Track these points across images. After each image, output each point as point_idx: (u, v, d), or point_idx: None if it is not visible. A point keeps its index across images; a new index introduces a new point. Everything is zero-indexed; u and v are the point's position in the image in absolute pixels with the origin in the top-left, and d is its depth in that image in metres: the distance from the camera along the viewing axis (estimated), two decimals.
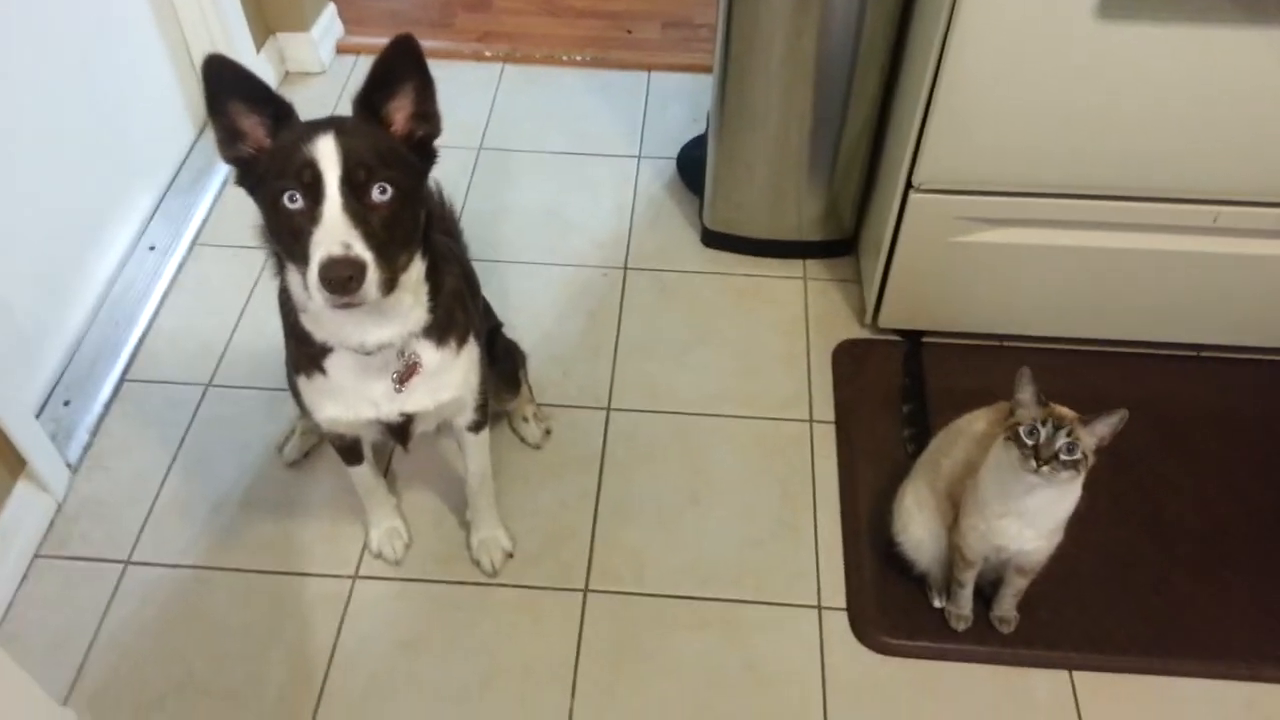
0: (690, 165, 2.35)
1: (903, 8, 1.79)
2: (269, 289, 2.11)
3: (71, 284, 2.01)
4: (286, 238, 1.11)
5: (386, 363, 1.30)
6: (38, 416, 1.84)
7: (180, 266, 2.18)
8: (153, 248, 2.19)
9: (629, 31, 2.83)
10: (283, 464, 1.84)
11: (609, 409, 1.94)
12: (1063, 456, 1.30)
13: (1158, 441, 1.87)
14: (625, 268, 2.20)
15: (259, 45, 2.51)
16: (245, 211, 2.20)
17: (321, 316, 1.23)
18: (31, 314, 1.88)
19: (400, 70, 1.13)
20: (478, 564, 1.71)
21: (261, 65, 2.51)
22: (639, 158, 2.46)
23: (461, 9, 2.91)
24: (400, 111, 1.16)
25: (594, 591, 1.68)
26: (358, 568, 1.71)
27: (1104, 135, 1.62)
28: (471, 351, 1.41)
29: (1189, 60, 1.52)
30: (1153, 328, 1.96)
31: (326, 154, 1.07)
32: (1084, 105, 1.59)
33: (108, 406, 1.93)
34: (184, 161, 2.39)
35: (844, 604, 1.67)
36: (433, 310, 1.29)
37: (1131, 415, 1.89)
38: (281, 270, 1.25)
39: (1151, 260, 1.81)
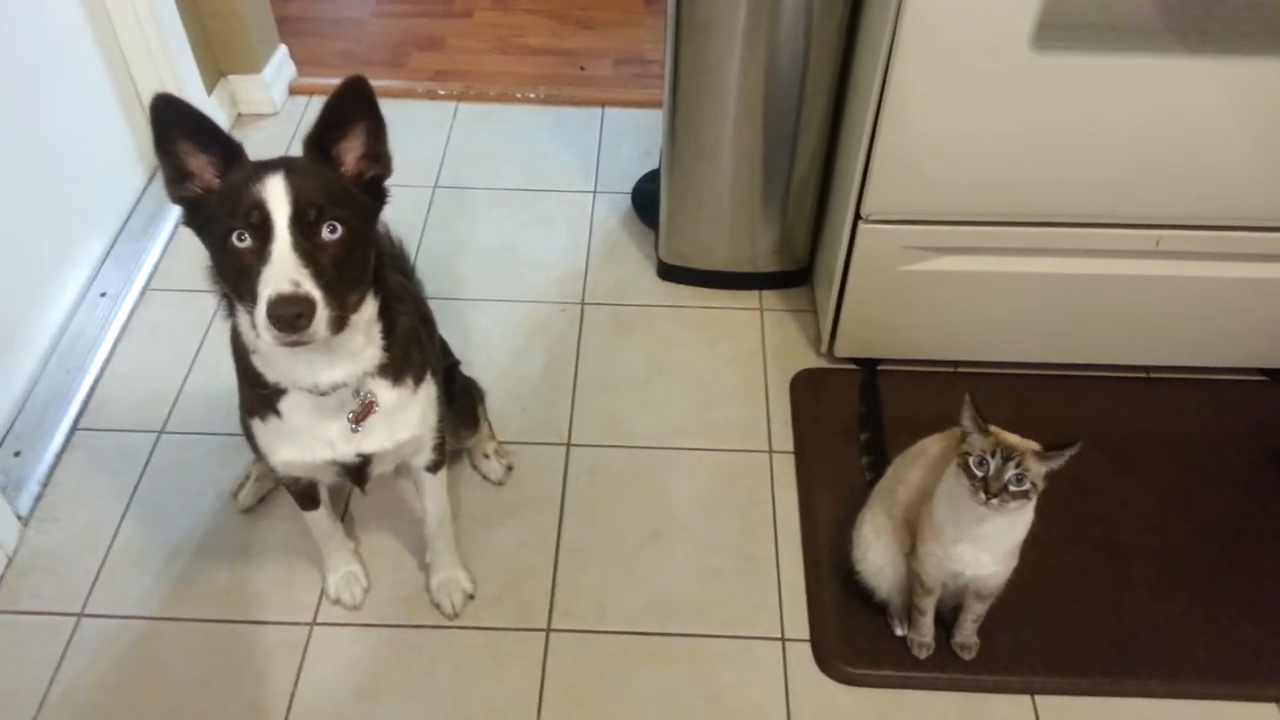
0: (645, 199, 2.37)
1: (845, 43, 1.82)
2: (221, 334, 2.09)
3: (21, 332, 1.98)
4: (235, 277, 1.11)
5: (342, 403, 1.29)
6: None
7: (132, 312, 2.15)
8: (104, 294, 2.17)
9: (582, 69, 2.86)
10: (238, 510, 1.82)
11: (569, 444, 1.94)
12: (1011, 488, 1.31)
13: (1110, 464, 1.90)
14: (582, 303, 2.21)
15: (210, 88, 2.50)
16: (197, 256, 2.18)
17: (272, 356, 1.22)
18: None
19: (351, 111, 1.14)
20: (438, 606, 1.69)
21: (213, 108, 2.51)
22: (594, 193, 2.47)
23: (415, 48, 2.93)
24: (351, 152, 1.16)
25: (556, 630, 1.67)
26: (315, 614, 1.69)
27: (1045, 164, 1.66)
28: (429, 390, 1.41)
29: (1124, 89, 1.56)
30: (1102, 351, 1.99)
31: (276, 193, 1.07)
32: (1024, 135, 1.62)
33: (59, 456, 1.89)
34: (135, 206, 2.37)
35: (807, 634, 1.67)
36: (387, 349, 1.28)
37: (1084, 438, 1.93)
38: (232, 312, 1.24)
39: (1097, 284, 1.85)
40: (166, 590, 1.71)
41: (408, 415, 1.37)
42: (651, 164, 2.49)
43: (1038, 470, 1.32)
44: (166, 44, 2.28)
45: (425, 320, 1.54)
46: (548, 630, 1.67)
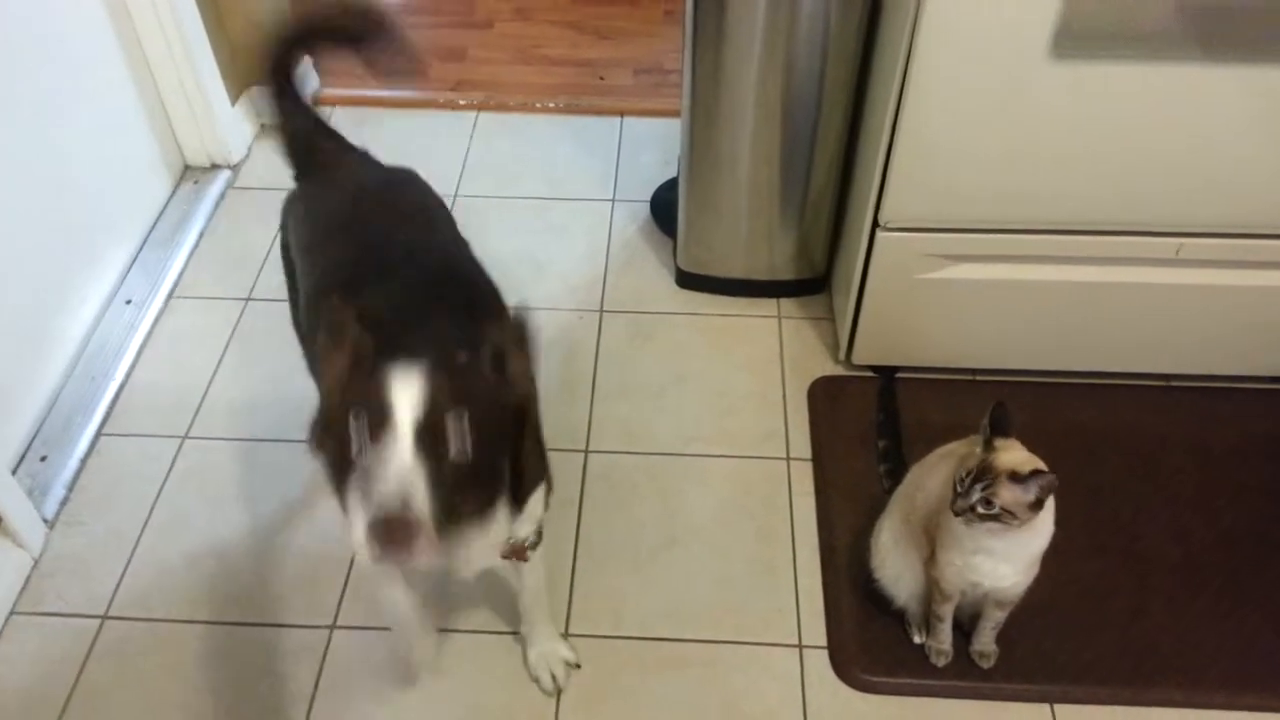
0: (663, 208, 2.38)
1: (863, 53, 1.83)
2: (244, 341, 2.13)
3: (48, 339, 2.01)
4: (334, 467, 1.01)
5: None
6: (14, 472, 1.83)
7: (156, 320, 2.18)
8: (129, 301, 2.20)
9: (601, 78, 2.88)
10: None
11: (587, 451, 1.95)
12: (979, 509, 1.31)
13: (1131, 472, 1.89)
14: (601, 310, 2.22)
15: (234, 98, 2.53)
16: (221, 264, 2.22)
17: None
18: (7, 370, 1.88)
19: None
20: (537, 681, 1.60)
21: (237, 118, 2.54)
22: (613, 201, 2.49)
23: (436, 59, 2.95)
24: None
25: (573, 636, 1.68)
26: (335, 617, 1.70)
27: (1063, 172, 1.66)
28: (537, 496, 1.29)
29: (1144, 97, 1.56)
30: (1122, 359, 1.99)
31: (405, 396, 0.97)
32: (1042, 143, 1.62)
33: (84, 461, 1.92)
34: (160, 214, 2.40)
35: (824, 642, 1.67)
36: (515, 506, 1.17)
37: (1104, 446, 1.93)
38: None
39: (1117, 293, 1.84)
40: (189, 593, 1.73)
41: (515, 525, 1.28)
42: (670, 173, 2.50)
43: (1011, 497, 1.30)
44: (191, 55, 2.32)
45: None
46: (565, 635, 1.68)
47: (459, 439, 0.96)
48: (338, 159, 1.59)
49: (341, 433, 0.97)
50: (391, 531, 0.92)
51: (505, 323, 1.08)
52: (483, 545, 1.13)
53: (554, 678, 1.60)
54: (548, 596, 1.61)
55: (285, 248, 1.58)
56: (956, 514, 1.35)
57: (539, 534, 1.40)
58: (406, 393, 0.95)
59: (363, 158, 1.62)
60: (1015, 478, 1.30)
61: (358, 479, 0.95)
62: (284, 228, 1.58)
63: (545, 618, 1.61)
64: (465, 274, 1.42)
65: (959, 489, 1.34)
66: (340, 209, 1.48)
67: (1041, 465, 1.33)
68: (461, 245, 1.51)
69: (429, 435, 0.95)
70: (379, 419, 0.95)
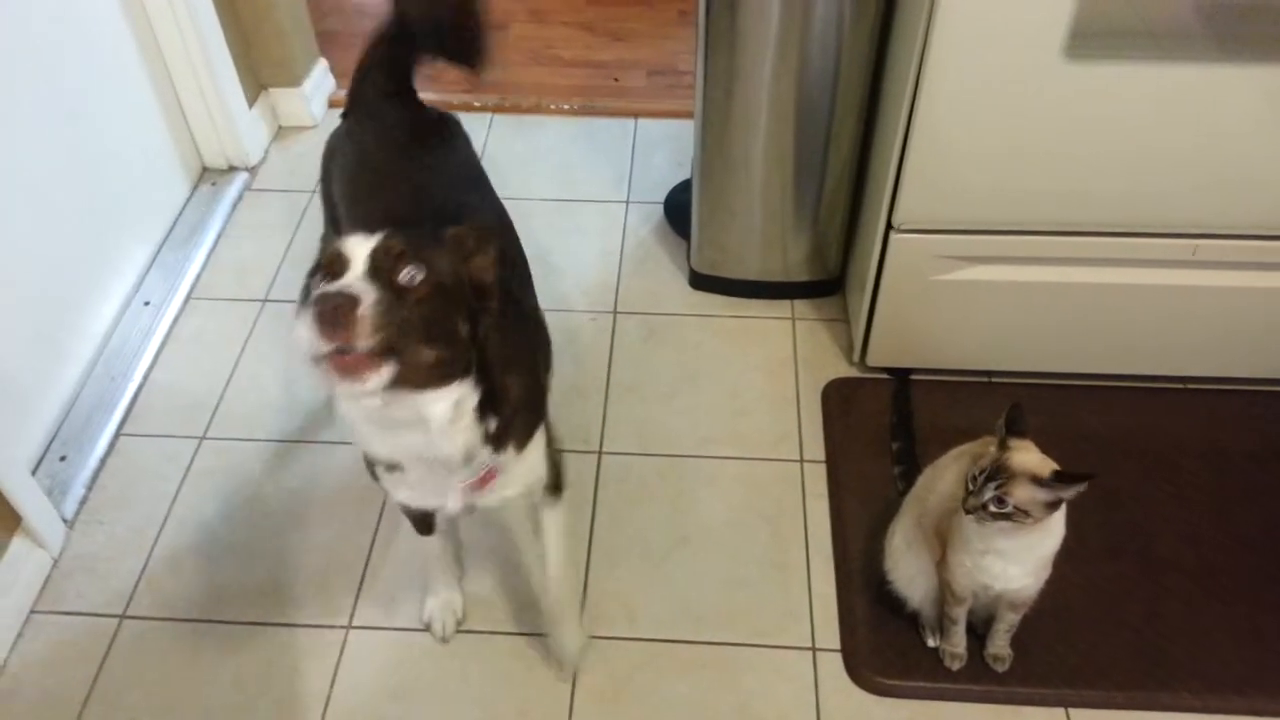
0: (677, 209, 2.38)
1: (876, 54, 1.82)
2: (262, 342, 2.15)
3: (67, 340, 2.03)
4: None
5: (451, 461, 1.20)
6: (34, 472, 1.85)
7: (175, 320, 2.20)
8: (148, 302, 2.22)
9: (615, 80, 2.88)
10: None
11: (600, 452, 1.95)
12: (991, 508, 1.31)
13: (1147, 474, 1.88)
14: (614, 311, 2.22)
15: (251, 101, 2.55)
16: (239, 265, 2.24)
17: (363, 430, 1.15)
18: (27, 370, 1.90)
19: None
20: (561, 664, 1.63)
21: (254, 120, 2.56)
22: (626, 203, 2.49)
23: None
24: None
25: (587, 637, 1.68)
26: (351, 617, 1.71)
27: (1078, 173, 1.65)
28: (539, 440, 1.35)
29: (1159, 97, 1.55)
30: (1138, 361, 1.98)
31: (360, 244, 1.03)
32: (1057, 145, 1.61)
33: (103, 461, 1.94)
34: (179, 216, 2.42)
35: (838, 644, 1.67)
36: (492, 427, 1.19)
37: (1120, 448, 1.92)
38: None
39: (1133, 294, 1.83)
40: (206, 593, 1.75)
41: (516, 470, 1.32)
42: (684, 174, 2.50)
43: (1026, 497, 1.29)
44: (209, 57, 2.34)
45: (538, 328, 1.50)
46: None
47: (408, 277, 1.01)
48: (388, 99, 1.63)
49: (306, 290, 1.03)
50: (331, 315, 0.95)
51: (470, 227, 1.13)
52: (449, 434, 1.13)
53: (572, 662, 1.64)
54: (574, 574, 1.60)
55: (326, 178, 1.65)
56: (968, 512, 1.35)
57: (557, 477, 1.44)
58: (360, 243, 1.03)
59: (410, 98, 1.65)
60: (1043, 480, 1.29)
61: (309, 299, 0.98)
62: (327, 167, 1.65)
63: (572, 596, 1.61)
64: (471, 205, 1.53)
65: (971, 487, 1.34)
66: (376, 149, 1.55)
67: (1056, 467, 1.32)
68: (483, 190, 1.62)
69: (379, 268, 1.01)
70: (335, 265, 1.02)
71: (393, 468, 1.26)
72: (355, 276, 1.00)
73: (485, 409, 1.16)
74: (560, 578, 1.57)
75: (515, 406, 1.24)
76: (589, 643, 1.66)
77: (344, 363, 0.97)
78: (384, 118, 1.59)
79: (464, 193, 1.55)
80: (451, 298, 1.07)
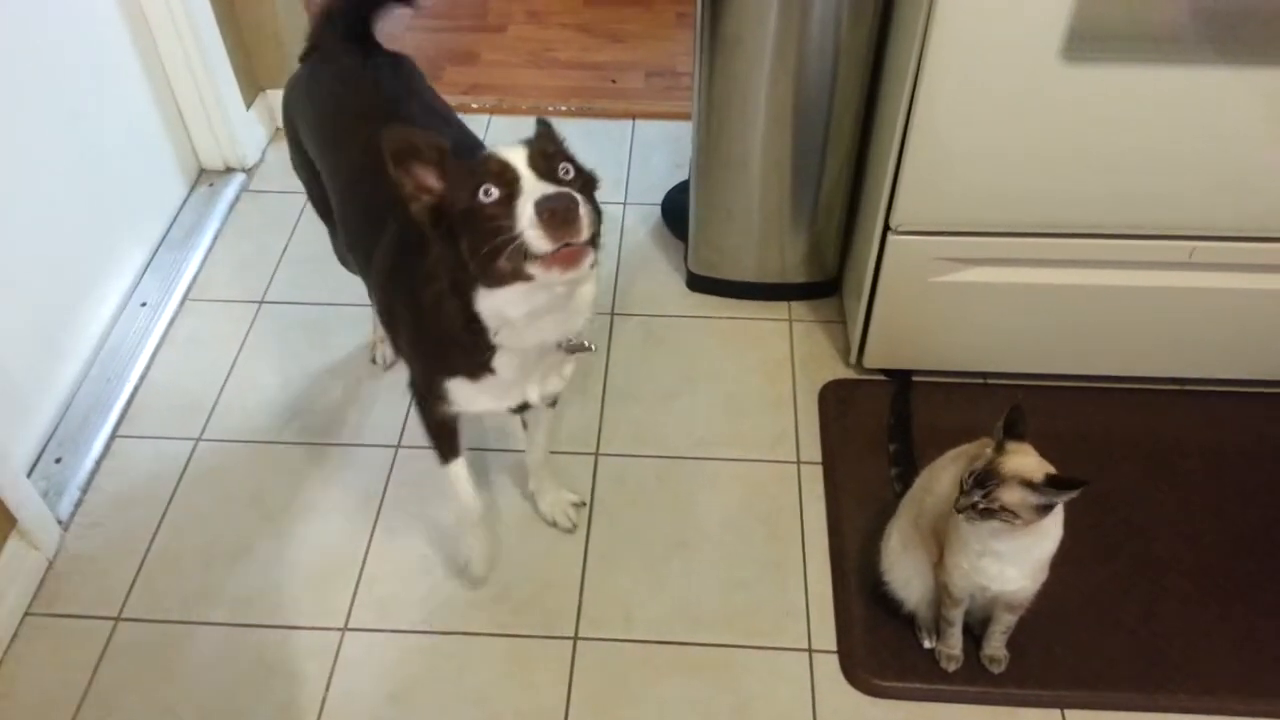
0: (674, 210, 2.38)
1: (875, 56, 1.82)
2: (258, 344, 2.15)
3: (64, 340, 2.03)
4: (489, 238, 1.13)
5: (544, 353, 1.36)
6: (29, 474, 1.85)
7: (171, 322, 2.20)
8: (144, 304, 2.22)
9: (613, 81, 2.89)
10: (382, 370, 2.06)
11: (597, 454, 1.95)
12: (980, 507, 1.31)
13: (1144, 475, 1.88)
14: (612, 313, 2.22)
15: (249, 102, 2.55)
16: (236, 266, 2.24)
17: (520, 324, 1.25)
18: (23, 372, 1.90)
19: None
20: (555, 524, 1.83)
21: (252, 121, 2.56)
22: (624, 204, 2.49)
23: (449, 62, 2.96)
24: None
25: (584, 639, 1.68)
26: (347, 619, 1.71)
27: (1075, 176, 1.65)
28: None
29: (1157, 100, 1.55)
30: (1135, 362, 1.98)
31: (509, 151, 1.16)
32: (1054, 147, 1.62)
33: (99, 463, 1.94)
34: (175, 217, 2.42)
35: (834, 646, 1.67)
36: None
37: (1116, 450, 1.93)
38: (457, 289, 1.26)
39: (1130, 296, 1.83)
40: (201, 595, 1.74)
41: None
42: (682, 175, 2.50)
43: (1016, 500, 1.30)
44: (206, 58, 2.34)
45: None
46: (575, 638, 1.68)
47: (565, 172, 1.16)
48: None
49: (480, 212, 1.13)
50: (559, 202, 1.08)
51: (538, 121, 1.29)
52: (581, 318, 1.30)
53: (570, 518, 1.83)
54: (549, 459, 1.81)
55: (290, 125, 1.75)
56: (958, 510, 1.35)
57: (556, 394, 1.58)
58: (511, 151, 1.16)
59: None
60: (1034, 484, 1.29)
61: (510, 224, 1.10)
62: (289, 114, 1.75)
63: (551, 473, 1.83)
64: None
65: (964, 487, 1.35)
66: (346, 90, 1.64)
67: (1052, 470, 1.32)
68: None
69: (544, 169, 1.15)
70: (505, 174, 1.13)
71: (481, 373, 1.36)
72: (539, 181, 1.13)
73: None
74: (544, 459, 1.80)
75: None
76: (574, 497, 1.85)
77: (570, 254, 1.10)
78: (345, 60, 1.66)
79: (439, 126, 1.62)
80: (588, 181, 1.21)
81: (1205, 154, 1.61)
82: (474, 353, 1.33)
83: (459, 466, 1.62)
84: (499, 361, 1.34)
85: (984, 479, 1.31)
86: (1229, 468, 1.90)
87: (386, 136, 1.18)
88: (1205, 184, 1.66)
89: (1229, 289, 1.81)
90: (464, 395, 1.43)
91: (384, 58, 1.70)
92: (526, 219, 1.09)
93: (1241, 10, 1.48)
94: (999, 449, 1.35)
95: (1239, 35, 1.50)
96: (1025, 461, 1.33)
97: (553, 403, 1.66)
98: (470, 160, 1.18)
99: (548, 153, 1.17)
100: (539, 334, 1.28)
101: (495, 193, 1.13)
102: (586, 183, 1.20)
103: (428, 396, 1.48)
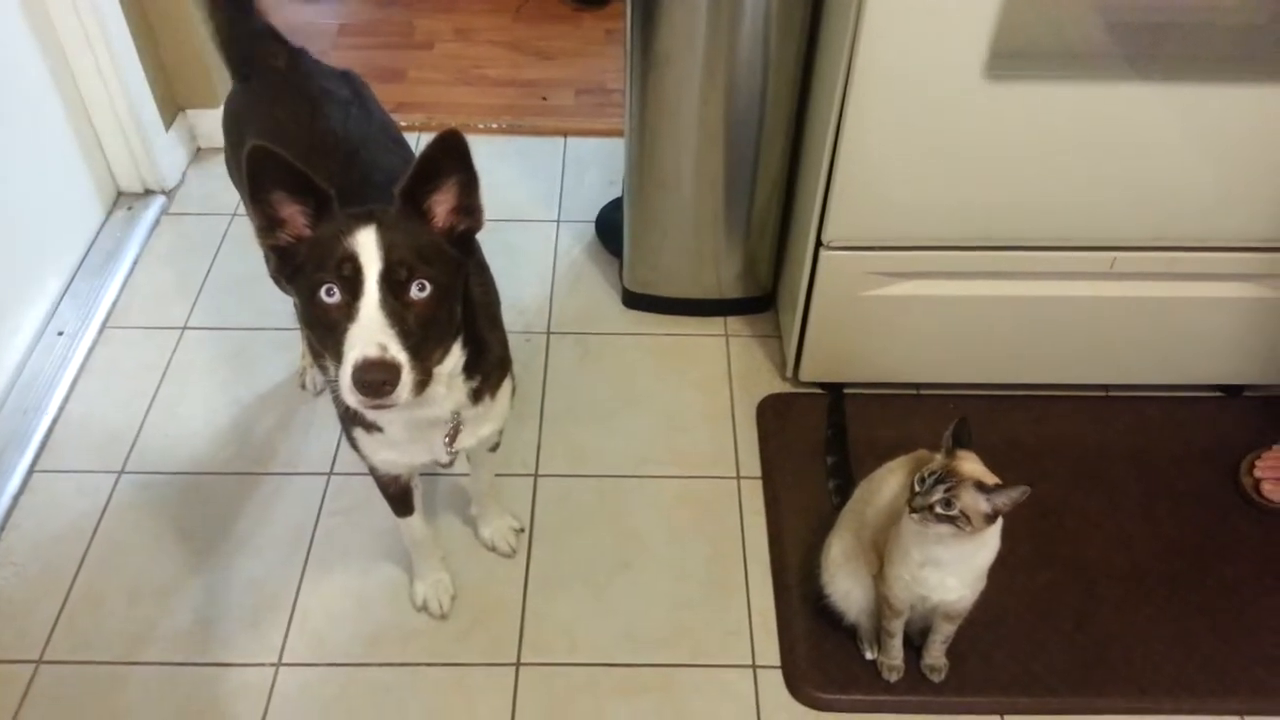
0: (609, 228, 2.38)
1: (803, 74, 1.84)
2: (180, 372, 2.08)
3: None
4: (321, 331, 1.10)
5: (436, 419, 1.32)
6: None
7: (90, 351, 2.12)
8: (61, 332, 2.14)
9: (544, 99, 2.87)
10: (313, 395, 2.02)
11: (536, 475, 1.93)
12: (937, 509, 1.32)
13: (1074, 483, 1.92)
14: (548, 332, 2.21)
15: (168, 123, 2.48)
16: (156, 292, 2.17)
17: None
18: None
19: (446, 164, 1.13)
20: (494, 549, 1.81)
21: (172, 143, 2.49)
22: (558, 222, 2.48)
23: (376, 80, 2.89)
24: (443, 205, 1.16)
25: (526, 665, 1.66)
26: (280, 654, 1.66)
27: (1001, 189, 1.68)
28: (506, 389, 1.46)
29: (1077, 116, 1.59)
30: (1061, 370, 2.02)
31: (367, 247, 1.07)
32: (979, 162, 1.64)
33: (16, 499, 1.86)
34: (92, 243, 2.34)
35: (778, 661, 1.67)
36: (474, 384, 1.31)
37: (1047, 458, 1.96)
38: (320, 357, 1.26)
39: (1055, 306, 1.87)
40: (128, 634, 1.68)
41: (490, 415, 1.43)
42: (615, 192, 2.49)
43: (972, 503, 1.32)
44: (123, 78, 2.27)
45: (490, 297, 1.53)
46: (517, 664, 1.66)
47: (417, 284, 1.08)
48: (278, 61, 1.62)
49: (319, 305, 1.08)
50: (374, 375, 1.04)
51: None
52: (439, 410, 1.27)
53: (510, 544, 1.81)
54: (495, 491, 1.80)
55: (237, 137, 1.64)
56: (914, 511, 1.35)
57: (499, 435, 1.58)
58: (364, 239, 1.07)
59: (301, 56, 1.66)
60: (982, 487, 1.31)
61: (338, 337, 1.06)
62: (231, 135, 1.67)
63: (494, 498, 1.81)
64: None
65: (918, 488, 1.35)
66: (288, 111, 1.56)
67: (997, 480, 1.34)
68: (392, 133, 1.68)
69: (392, 280, 1.07)
70: (350, 274, 1.06)
71: (371, 429, 1.33)
72: (374, 309, 1.05)
73: (470, 368, 1.27)
74: (488, 488, 1.78)
75: (490, 366, 1.34)
76: (515, 523, 1.84)
77: (381, 402, 1.06)
78: (279, 78, 1.60)
79: (385, 152, 1.57)
80: (450, 285, 1.14)
81: (1125, 167, 1.66)
82: (356, 419, 1.30)
83: (413, 526, 1.65)
84: (383, 421, 1.31)
85: (943, 479, 1.32)
86: (1156, 472, 1.94)
87: (252, 153, 1.08)
88: (1125, 196, 1.70)
89: (1150, 297, 1.86)
90: (368, 447, 1.39)
91: (333, 80, 1.64)
92: (347, 370, 1.04)
93: (1156, 29, 1.52)
94: (949, 454, 1.36)
95: (1154, 53, 1.54)
96: (976, 467, 1.36)
97: (493, 448, 1.64)
98: (330, 234, 1.09)
99: (408, 263, 1.07)
100: (394, 419, 1.28)
101: (336, 295, 1.07)
102: (442, 290, 1.11)
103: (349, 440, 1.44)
